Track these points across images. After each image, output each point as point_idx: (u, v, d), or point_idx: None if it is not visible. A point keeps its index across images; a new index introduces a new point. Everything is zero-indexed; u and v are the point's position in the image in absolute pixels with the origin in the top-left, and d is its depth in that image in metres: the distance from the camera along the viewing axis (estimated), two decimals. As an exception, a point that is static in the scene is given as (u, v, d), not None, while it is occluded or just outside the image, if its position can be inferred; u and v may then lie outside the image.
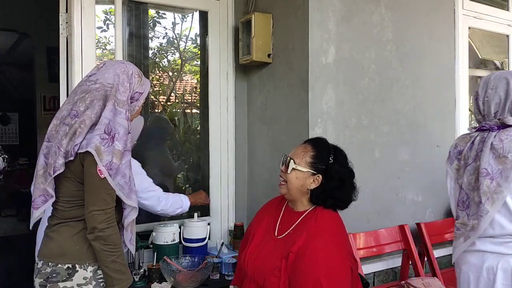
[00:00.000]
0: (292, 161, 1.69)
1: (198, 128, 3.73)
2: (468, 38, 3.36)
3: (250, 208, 2.92)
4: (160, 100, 4.21)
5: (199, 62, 3.76)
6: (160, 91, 4.24)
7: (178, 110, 4.22)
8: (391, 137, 2.81)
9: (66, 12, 2.49)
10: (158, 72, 4.25)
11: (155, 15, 3.80)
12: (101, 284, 1.60)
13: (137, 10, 3.38)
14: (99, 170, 1.51)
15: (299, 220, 1.69)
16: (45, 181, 1.57)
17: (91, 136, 1.53)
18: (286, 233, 1.70)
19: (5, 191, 6.00)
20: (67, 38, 2.49)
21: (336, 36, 2.55)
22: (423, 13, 2.98)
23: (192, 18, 3.68)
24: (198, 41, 3.73)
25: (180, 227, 2.56)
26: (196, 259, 2.37)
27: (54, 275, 1.57)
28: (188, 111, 4.29)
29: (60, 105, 1.82)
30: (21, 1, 4.86)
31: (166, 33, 3.87)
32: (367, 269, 2.63)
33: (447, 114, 3.15)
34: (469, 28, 3.34)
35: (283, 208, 1.80)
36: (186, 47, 4.09)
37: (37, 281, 1.63)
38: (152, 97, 4.00)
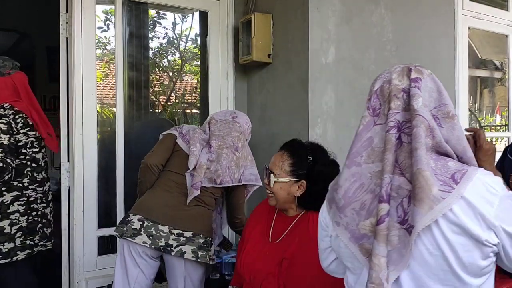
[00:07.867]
0: (271, 174, 1.63)
1: (198, 128, 3.72)
2: (468, 38, 3.36)
3: (250, 209, 2.91)
4: (160, 100, 4.21)
5: (199, 62, 3.77)
6: (160, 91, 4.25)
7: (178, 110, 4.23)
8: (391, 137, 2.81)
9: (66, 12, 2.49)
10: (158, 72, 4.25)
11: (155, 15, 3.80)
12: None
13: (137, 10, 3.38)
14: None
15: (291, 225, 1.67)
16: (207, 183, 2.08)
17: (248, 172, 2.16)
18: (280, 238, 1.67)
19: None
20: (67, 38, 2.49)
21: (336, 36, 2.55)
22: (423, 13, 2.98)
23: (192, 18, 3.69)
24: (198, 41, 3.73)
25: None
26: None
27: (205, 245, 2.03)
28: (188, 111, 4.30)
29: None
30: (21, 1, 4.86)
31: (166, 33, 3.88)
32: (367, 269, 2.63)
33: (447, 114, 3.14)
34: (469, 28, 3.34)
35: (276, 213, 1.76)
36: (186, 47, 4.09)
37: (188, 248, 1.99)
38: (152, 97, 4.01)
